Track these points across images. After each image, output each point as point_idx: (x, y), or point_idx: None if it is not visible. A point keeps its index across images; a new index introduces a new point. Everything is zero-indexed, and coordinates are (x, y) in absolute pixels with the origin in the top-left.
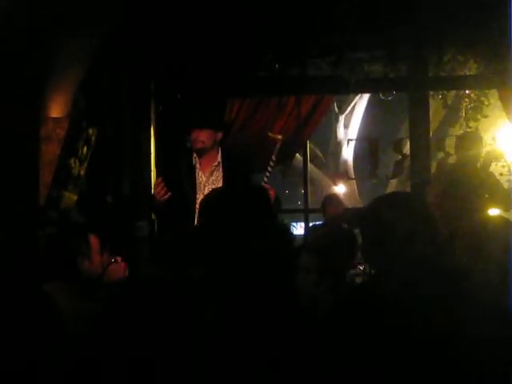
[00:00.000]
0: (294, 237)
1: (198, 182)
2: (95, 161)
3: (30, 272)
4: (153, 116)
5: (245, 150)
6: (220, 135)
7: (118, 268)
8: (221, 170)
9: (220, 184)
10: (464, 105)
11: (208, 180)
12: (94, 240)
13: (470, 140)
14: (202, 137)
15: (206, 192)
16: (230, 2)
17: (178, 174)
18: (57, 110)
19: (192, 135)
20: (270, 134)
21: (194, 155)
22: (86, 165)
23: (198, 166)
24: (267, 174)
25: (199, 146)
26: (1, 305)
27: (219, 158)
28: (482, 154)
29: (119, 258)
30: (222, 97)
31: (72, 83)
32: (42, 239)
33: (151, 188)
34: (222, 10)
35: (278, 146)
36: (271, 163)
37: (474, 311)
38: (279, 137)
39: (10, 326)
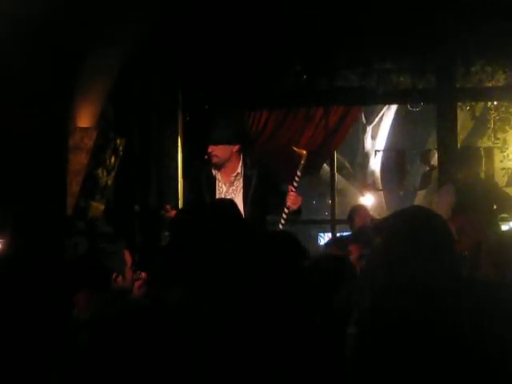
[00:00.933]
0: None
1: (218, 192)
2: (123, 171)
3: (56, 281)
4: (180, 126)
5: (272, 160)
6: (237, 147)
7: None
8: (241, 179)
9: (240, 194)
10: (492, 116)
11: (228, 190)
12: (128, 257)
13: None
14: (217, 151)
15: None
16: (258, 13)
17: (199, 184)
18: (85, 120)
19: (208, 149)
20: (294, 148)
21: (215, 172)
22: (113, 175)
23: (218, 176)
24: (295, 184)
25: (215, 160)
26: (27, 313)
27: (239, 169)
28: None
29: (144, 274)
30: (244, 108)
31: (100, 94)
32: (68, 248)
33: (178, 198)
34: (251, 21)
35: (302, 161)
36: (296, 178)
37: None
38: (304, 152)
39: (35, 335)
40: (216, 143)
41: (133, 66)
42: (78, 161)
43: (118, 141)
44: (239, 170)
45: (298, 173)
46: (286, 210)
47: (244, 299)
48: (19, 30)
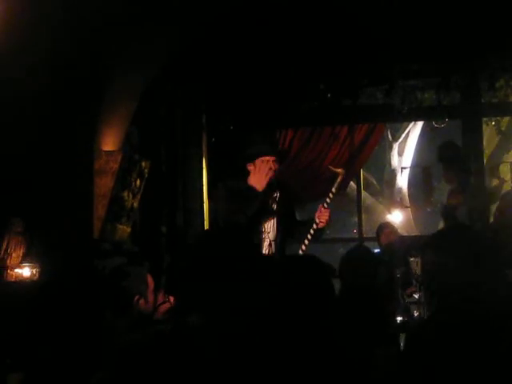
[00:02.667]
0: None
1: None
2: (148, 193)
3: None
4: (204, 147)
5: (297, 180)
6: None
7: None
8: (277, 199)
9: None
10: None
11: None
12: (150, 280)
13: None
14: (275, 168)
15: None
16: (282, 33)
17: (241, 203)
18: (110, 143)
19: (267, 165)
20: (330, 167)
21: (255, 188)
22: (139, 197)
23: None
24: (328, 200)
25: (272, 176)
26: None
27: (276, 192)
28: None
29: (172, 298)
30: (274, 127)
31: (124, 117)
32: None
33: (204, 219)
34: (275, 40)
35: (339, 179)
36: (330, 195)
37: None
38: (340, 170)
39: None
40: (272, 155)
41: (157, 89)
42: (104, 184)
43: (143, 163)
44: (277, 192)
45: (333, 190)
46: (314, 227)
47: (268, 327)
48: (46, 57)
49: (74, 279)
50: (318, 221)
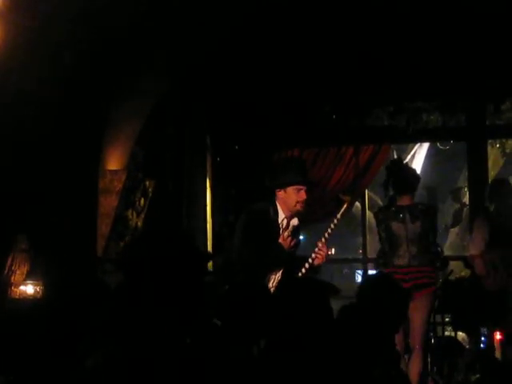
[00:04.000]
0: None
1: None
2: (152, 212)
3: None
4: (209, 167)
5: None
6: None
7: None
8: (293, 231)
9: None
10: None
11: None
12: None
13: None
14: (306, 197)
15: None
16: (287, 53)
17: (266, 231)
18: (114, 162)
19: (300, 196)
20: (340, 195)
21: (283, 216)
22: (143, 216)
23: (284, 225)
24: (329, 230)
25: (303, 208)
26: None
27: (297, 221)
28: None
29: None
30: (274, 148)
31: (129, 136)
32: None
33: (207, 239)
34: (280, 61)
35: (345, 206)
36: (335, 221)
37: None
38: (347, 198)
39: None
40: (306, 185)
41: (161, 109)
42: (108, 203)
43: (148, 182)
44: (298, 222)
45: (339, 216)
46: (308, 264)
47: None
48: (53, 75)
49: (76, 296)
50: (314, 256)
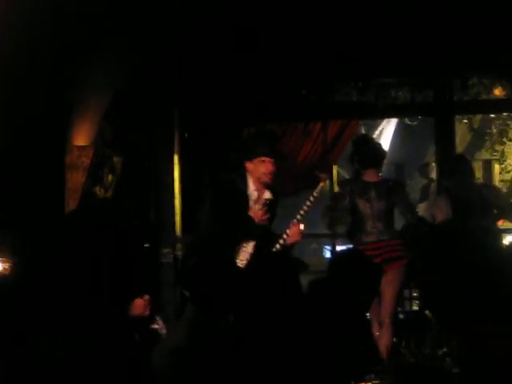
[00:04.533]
0: None
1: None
2: (120, 188)
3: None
4: (177, 143)
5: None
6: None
7: (142, 303)
8: (266, 204)
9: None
10: (490, 128)
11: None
12: None
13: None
14: (273, 170)
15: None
16: (256, 27)
17: (230, 201)
18: (82, 138)
19: (264, 167)
20: (317, 172)
21: (253, 188)
22: (110, 192)
23: (253, 198)
24: (305, 208)
25: (269, 179)
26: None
27: (269, 194)
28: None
29: (147, 296)
30: (242, 124)
31: (96, 112)
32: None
33: (175, 214)
34: (247, 35)
35: (321, 184)
36: (311, 199)
37: None
38: (325, 176)
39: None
40: (272, 157)
41: (129, 85)
42: (76, 179)
43: (115, 158)
44: (270, 195)
45: (315, 194)
46: (281, 242)
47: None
48: (18, 51)
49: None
50: (286, 236)
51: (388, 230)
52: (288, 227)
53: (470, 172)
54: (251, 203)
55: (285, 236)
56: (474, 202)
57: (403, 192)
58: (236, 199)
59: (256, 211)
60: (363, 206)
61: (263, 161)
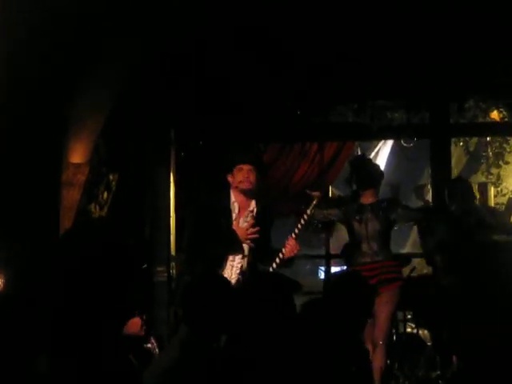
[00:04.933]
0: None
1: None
2: (116, 206)
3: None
4: (173, 161)
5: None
6: (260, 181)
7: (137, 322)
8: (254, 216)
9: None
10: (486, 151)
11: (243, 224)
12: None
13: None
14: (252, 177)
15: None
16: (251, 48)
17: (214, 213)
18: (77, 156)
19: (241, 175)
20: (307, 191)
21: (233, 200)
22: (106, 210)
23: (235, 211)
24: (299, 226)
25: (249, 186)
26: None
27: (254, 205)
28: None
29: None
30: (244, 143)
31: (93, 130)
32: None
33: (170, 234)
34: (244, 57)
35: (315, 202)
36: (305, 217)
37: None
38: (317, 193)
39: None
40: (251, 163)
41: (125, 102)
42: (71, 196)
43: (111, 176)
44: (254, 206)
45: (308, 212)
46: (280, 256)
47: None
48: (15, 69)
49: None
50: (284, 251)
51: (383, 251)
52: (285, 243)
53: (470, 194)
54: (234, 216)
55: (283, 250)
56: (474, 224)
57: (399, 204)
58: (216, 214)
59: (240, 225)
60: (358, 227)
61: (241, 168)
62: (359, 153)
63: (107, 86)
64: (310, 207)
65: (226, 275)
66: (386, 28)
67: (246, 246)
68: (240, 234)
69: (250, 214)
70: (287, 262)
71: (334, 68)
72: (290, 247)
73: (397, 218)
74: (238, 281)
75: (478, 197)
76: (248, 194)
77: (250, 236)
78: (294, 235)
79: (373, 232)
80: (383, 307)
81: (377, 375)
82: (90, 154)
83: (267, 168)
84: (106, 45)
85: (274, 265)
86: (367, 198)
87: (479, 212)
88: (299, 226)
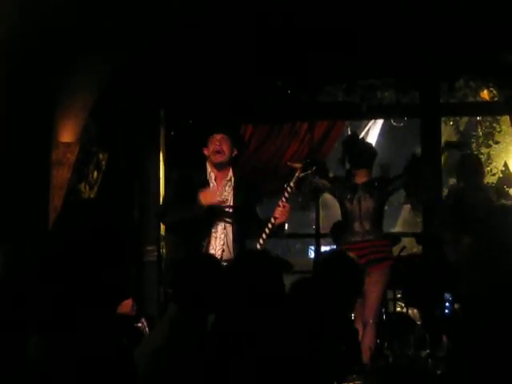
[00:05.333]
0: None
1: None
2: (105, 185)
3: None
4: (162, 141)
5: (256, 175)
6: (235, 152)
7: (129, 303)
8: (232, 185)
9: (231, 199)
10: (476, 131)
11: (221, 195)
12: None
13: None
14: (225, 148)
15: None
16: (241, 28)
17: (191, 188)
18: (67, 135)
19: (212, 146)
20: (288, 162)
21: (209, 170)
22: (96, 189)
23: (213, 180)
24: (283, 199)
25: (220, 159)
26: None
27: (231, 174)
28: (494, 180)
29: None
30: (233, 123)
31: (82, 109)
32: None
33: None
34: (233, 36)
35: (297, 173)
36: (289, 189)
37: None
38: (298, 165)
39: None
40: (224, 132)
41: (115, 81)
42: (61, 175)
43: (101, 155)
44: (231, 175)
45: (292, 184)
46: (271, 223)
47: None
48: (2, 50)
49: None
50: (275, 217)
51: (375, 231)
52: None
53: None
54: (212, 186)
55: (272, 219)
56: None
57: (390, 183)
58: (193, 187)
59: (211, 191)
60: (351, 206)
61: (214, 137)
62: (349, 132)
63: (97, 66)
64: (294, 179)
65: (210, 247)
66: (377, 8)
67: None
68: (206, 197)
69: (228, 183)
70: (278, 229)
71: (322, 47)
72: (280, 213)
73: (394, 187)
74: (222, 252)
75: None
76: (222, 165)
77: (221, 202)
78: (282, 201)
79: (366, 211)
80: (373, 287)
81: (366, 354)
82: (80, 133)
83: (243, 139)
84: (96, 27)
85: (264, 234)
86: (361, 178)
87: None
88: (283, 199)
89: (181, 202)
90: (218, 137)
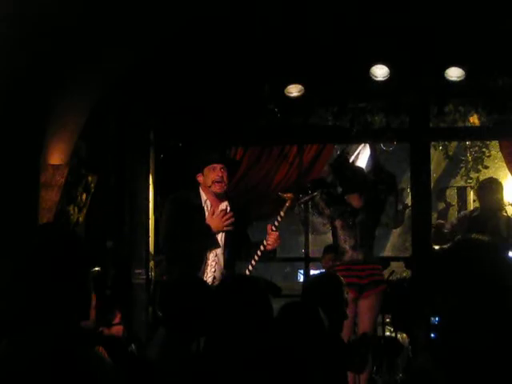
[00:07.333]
0: None
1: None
2: (94, 208)
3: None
4: (152, 163)
5: (245, 197)
6: (229, 179)
7: (118, 330)
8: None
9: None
10: (465, 156)
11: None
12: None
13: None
14: (225, 176)
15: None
16: (232, 51)
17: (187, 213)
18: (56, 157)
19: (213, 175)
20: (279, 193)
21: (205, 198)
22: (84, 211)
23: (209, 208)
24: (273, 228)
25: (222, 189)
26: None
27: (226, 203)
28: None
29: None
30: (223, 145)
31: (72, 131)
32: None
33: (149, 235)
34: (223, 59)
35: (287, 203)
36: (278, 218)
37: None
38: (289, 195)
39: None
40: (223, 163)
41: (105, 104)
42: (50, 198)
43: (90, 178)
44: (227, 204)
45: (282, 213)
46: (261, 249)
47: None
48: None
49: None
50: (265, 243)
51: (370, 253)
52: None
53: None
54: (207, 214)
55: (264, 242)
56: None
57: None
58: (189, 212)
59: (214, 217)
60: (349, 229)
61: (214, 167)
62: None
63: (87, 88)
64: (284, 208)
65: (204, 273)
66: (366, 29)
67: (221, 243)
68: (215, 224)
69: (223, 212)
70: (270, 254)
71: (312, 70)
72: (272, 238)
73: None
74: (213, 279)
75: (456, 201)
76: (221, 195)
77: (226, 222)
78: (273, 227)
79: (364, 234)
80: (369, 311)
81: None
82: (69, 156)
83: (237, 166)
84: (86, 48)
85: (256, 257)
86: (356, 202)
87: None
88: (273, 228)
89: (177, 227)
90: (219, 166)
